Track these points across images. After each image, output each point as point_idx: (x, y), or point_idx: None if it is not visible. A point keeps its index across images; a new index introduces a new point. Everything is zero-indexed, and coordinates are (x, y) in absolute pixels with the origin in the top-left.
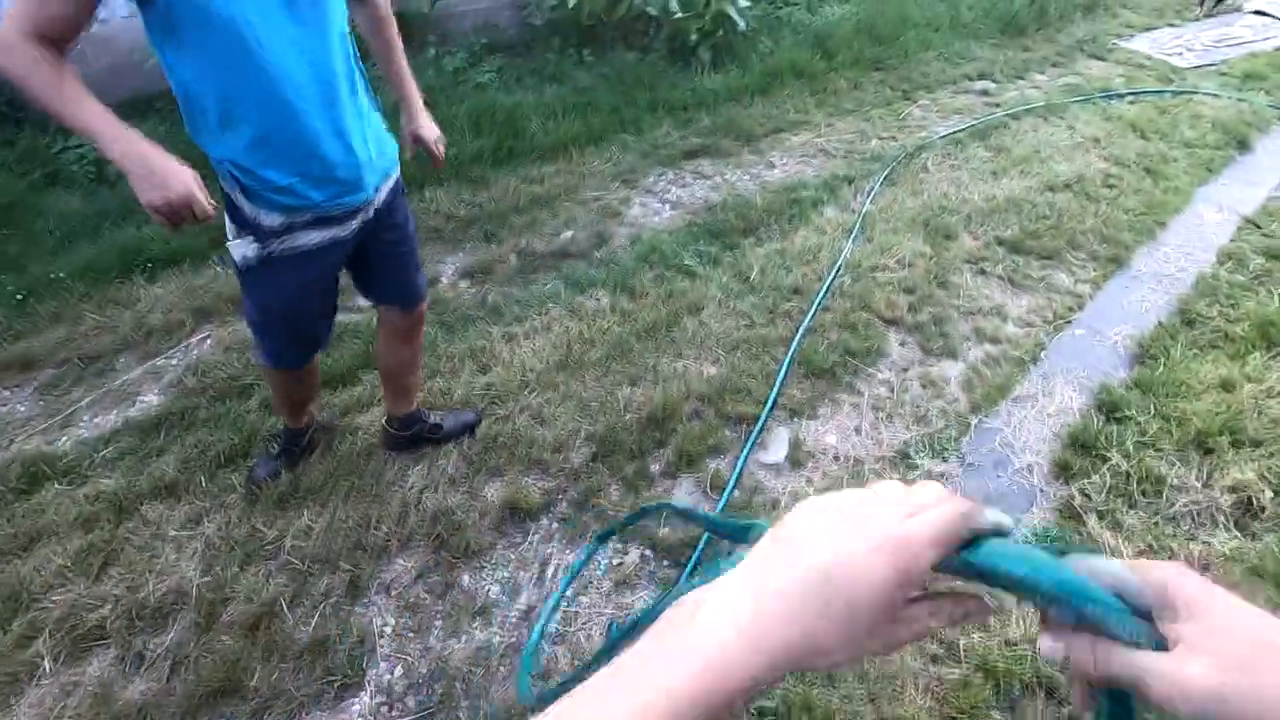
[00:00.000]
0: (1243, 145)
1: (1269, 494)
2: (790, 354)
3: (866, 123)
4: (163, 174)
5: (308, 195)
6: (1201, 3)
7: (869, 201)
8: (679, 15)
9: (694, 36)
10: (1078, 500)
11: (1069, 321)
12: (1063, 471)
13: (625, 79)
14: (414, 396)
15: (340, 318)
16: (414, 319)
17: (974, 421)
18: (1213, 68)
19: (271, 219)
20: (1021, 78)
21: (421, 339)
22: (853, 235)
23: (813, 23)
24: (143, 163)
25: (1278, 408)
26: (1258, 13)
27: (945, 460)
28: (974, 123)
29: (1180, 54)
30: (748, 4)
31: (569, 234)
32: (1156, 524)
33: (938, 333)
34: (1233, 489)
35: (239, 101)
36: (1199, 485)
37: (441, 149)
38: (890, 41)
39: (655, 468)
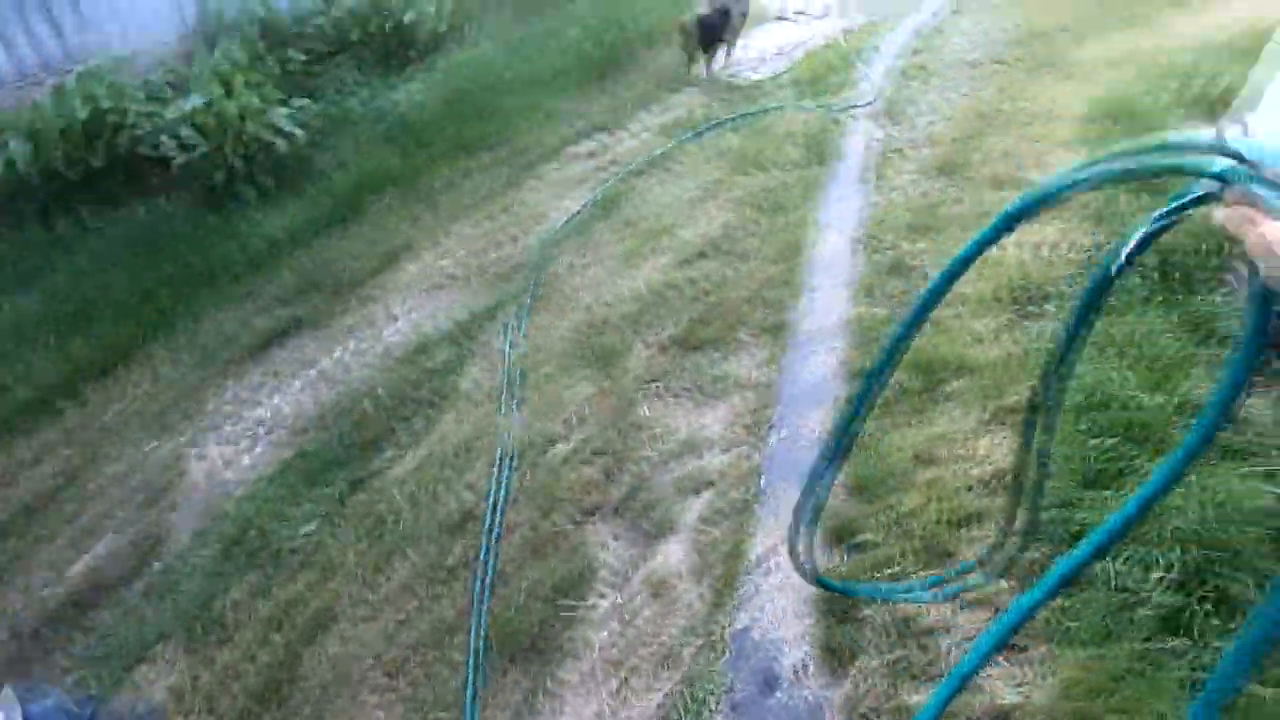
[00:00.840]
0: (830, 155)
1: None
2: (477, 643)
3: (488, 223)
4: None
5: None
6: (692, 60)
7: (522, 338)
8: (201, 150)
9: (221, 174)
10: (862, 695)
11: (770, 425)
12: (833, 657)
13: (147, 246)
14: None
15: None
16: None
17: (724, 628)
18: (786, 75)
19: None
20: (624, 126)
21: None
22: (511, 398)
23: (388, 112)
24: None
25: (974, 465)
26: (799, 14)
27: (713, 710)
28: (594, 197)
29: (755, 69)
30: (296, 107)
31: (88, 558)
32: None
33: (645, 505)
34: (983, 601)
35: None
36: (956, 617)
37: None
38: (485, 115)
39: None
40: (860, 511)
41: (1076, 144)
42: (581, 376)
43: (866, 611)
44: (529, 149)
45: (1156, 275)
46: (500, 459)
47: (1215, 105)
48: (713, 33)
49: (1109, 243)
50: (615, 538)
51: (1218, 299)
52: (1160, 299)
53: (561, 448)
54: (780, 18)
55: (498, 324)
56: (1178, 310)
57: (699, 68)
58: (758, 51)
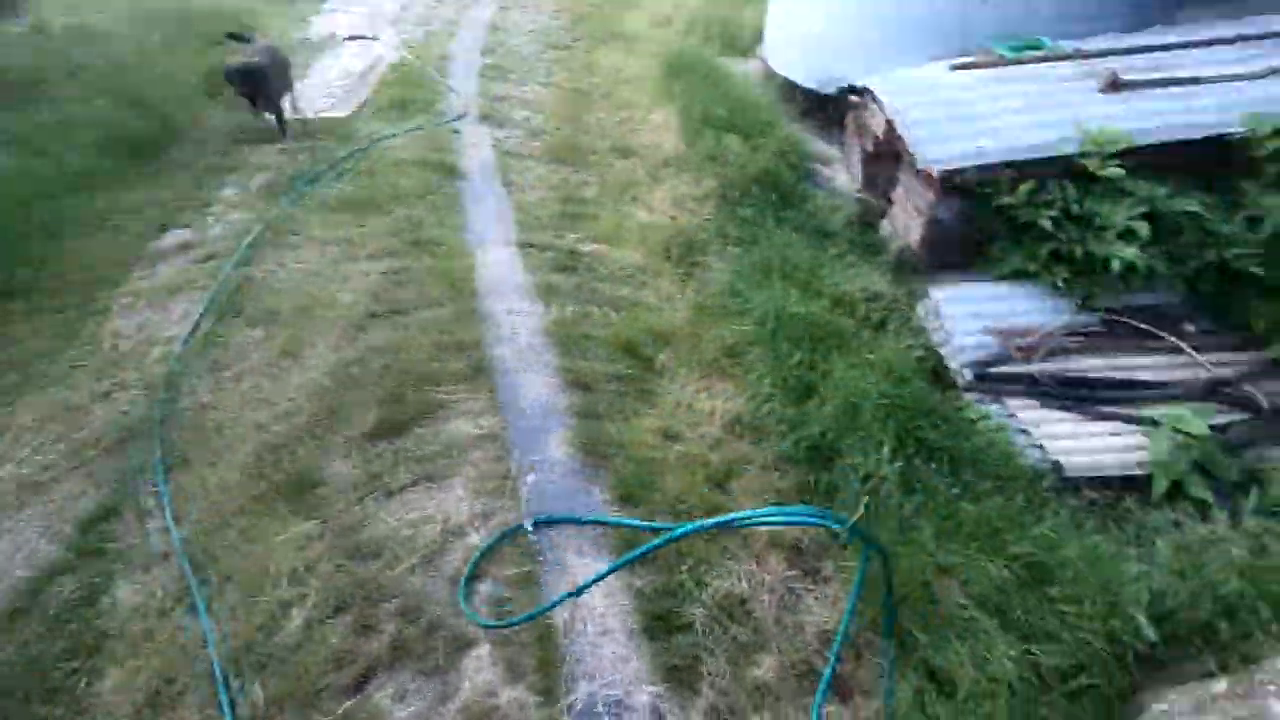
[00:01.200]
0: (453, 172)
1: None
2: None
3: (76, 375)
4: None
5: None
6: (284, 132)
7: (189, 511)
8: None
9: None
10: (720, 696)
11: (517, 476)
12: (680, 675)
13: None
14: None
15: None
16: None
17: (568, 709)
18: (370, 104)
19: None
20: (212, 202)
21: None
22: (202, 587)
23: None
24: None
25: (708, 425)
26: (352, 38)
27: None
28: (211, 295)
29: (332, 107)
30: None
31: None
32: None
33: (426, 629)
34: (775, 546)
35: None
36: (763, 572)
37: None
38: (7, 240)
39: None
40: (641, 516)
41: (664, 100)
42: (283, 517)
43: (691, 611)
44: (97, 265)
45: (775, 198)
46: (221, 674)
47: (748, 46)
48: (260, 79)
49: (732, 183)
50: (408, 687)
51: (810, 206)
52: (780, 218)
53: (298, 616)
54: (351, 36)
55: (141, 501)
56: (790, 224)
57: (268, 119)
58: (329, 85)
